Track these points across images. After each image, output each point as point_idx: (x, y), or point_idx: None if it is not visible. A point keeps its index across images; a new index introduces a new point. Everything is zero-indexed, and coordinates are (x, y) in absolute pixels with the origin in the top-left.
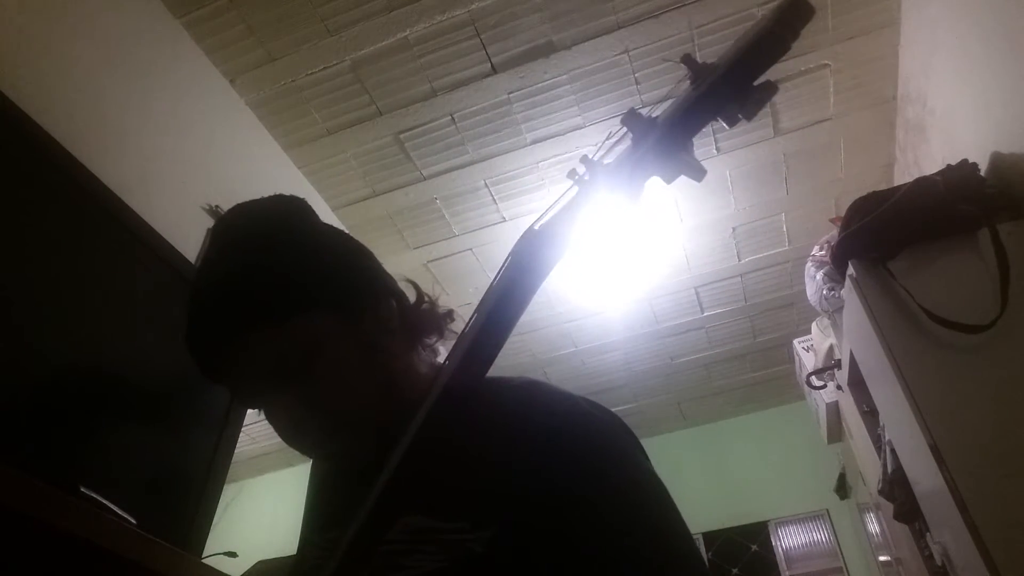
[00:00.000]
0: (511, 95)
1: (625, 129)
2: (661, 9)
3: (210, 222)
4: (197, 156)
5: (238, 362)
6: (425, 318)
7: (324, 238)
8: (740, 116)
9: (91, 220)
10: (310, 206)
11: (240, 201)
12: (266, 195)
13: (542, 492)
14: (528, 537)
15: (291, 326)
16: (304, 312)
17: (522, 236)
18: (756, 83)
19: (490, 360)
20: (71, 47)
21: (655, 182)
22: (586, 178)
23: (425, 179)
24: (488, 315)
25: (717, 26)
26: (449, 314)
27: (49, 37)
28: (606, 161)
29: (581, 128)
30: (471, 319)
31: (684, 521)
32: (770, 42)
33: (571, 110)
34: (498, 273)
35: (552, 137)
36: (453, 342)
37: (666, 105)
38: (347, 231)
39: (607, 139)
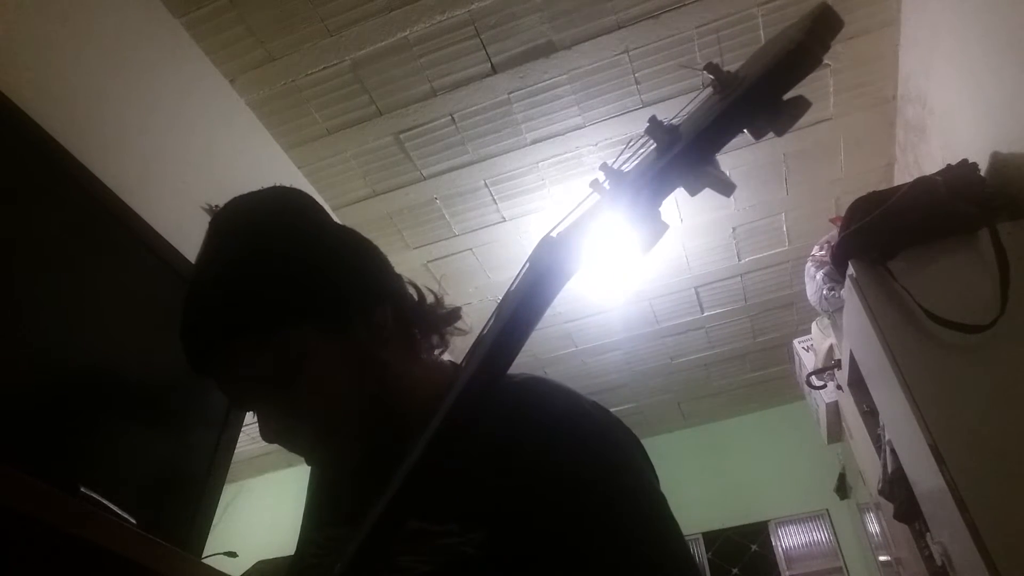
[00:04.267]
0: (511, 95)
1: (646, 137)
2: (661, 9)
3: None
4: (197, 156)
5: (225, 366)
6: (426, 320)
7: (321, 241)
8: (770, 131)
9: (91, 220)
10: (312, 201)
11: None
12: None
13: (536, 493)
14: (521, 539)
15: (277, 338)
16: (291, 325)
17: (539, 243)
18: (786, 98)
19: (506, 367)
20: (71, 47)
21: (679, 193)
22: (606, 186)
23: (425, 179)
24: (506, 323)
25: (717, 26)
26: (454, 313)
27: (49, 37)
28: (626, 169)
29: (581, 128)
30: (487, 325)
31: (679, 527)
32: (801, 56)
33: (571, 110)
34: (515, 280)
35: (552, 137)
36: (457, 340)
37: (689, 113)
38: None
39: (627, 147)
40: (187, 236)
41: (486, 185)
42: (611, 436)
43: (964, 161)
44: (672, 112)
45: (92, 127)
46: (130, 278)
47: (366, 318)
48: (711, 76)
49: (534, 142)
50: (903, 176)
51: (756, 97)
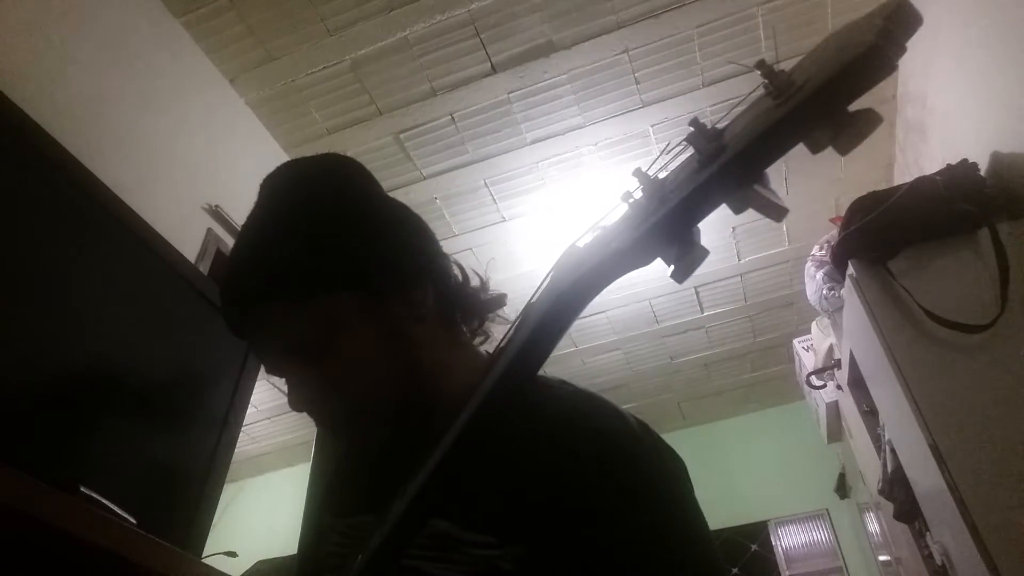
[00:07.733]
0: (511, 95)
1: (685, 144)
2: (661, 9)
3: (211, 222)
4: (197, 156)
5: (259, 329)
6: (468, 303)
7: (365, 210)
8: (830, 146)
9: (91, 220)
10: (363, 170)
11: (240, 200)
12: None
13: (580, 515)
14: (561, 560)
15: (311, 305)
16: (327, 291)
17: (564, 253)
18: (852, 109)
19: (537, 367)
20: (71, 47)
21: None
22: (638, 196)
23: (425, 179)
24: (536, 325)
25: (717, 26)
26: (498, 299)
27: (49, 37)
28: (662, 176)
29: (581, 128)
30: (513, 325)
31: (720, 559)
32: (874, 59)
33: (571, 110)
34: (536, 291)
35: (552, 137)
36: (499, 327)
37: (734, 119)
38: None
39: (663, 153)
40: (187, 236)
41: (486, 185)
42: (661, 463)
43: (964, 161)
44: (674, 112)
45: (92, 127)
46: (130, 278)
47: (406, 293)
48: (764, 78)
49: (534, 142)
50: (903, 176)
51: (818, 107)
